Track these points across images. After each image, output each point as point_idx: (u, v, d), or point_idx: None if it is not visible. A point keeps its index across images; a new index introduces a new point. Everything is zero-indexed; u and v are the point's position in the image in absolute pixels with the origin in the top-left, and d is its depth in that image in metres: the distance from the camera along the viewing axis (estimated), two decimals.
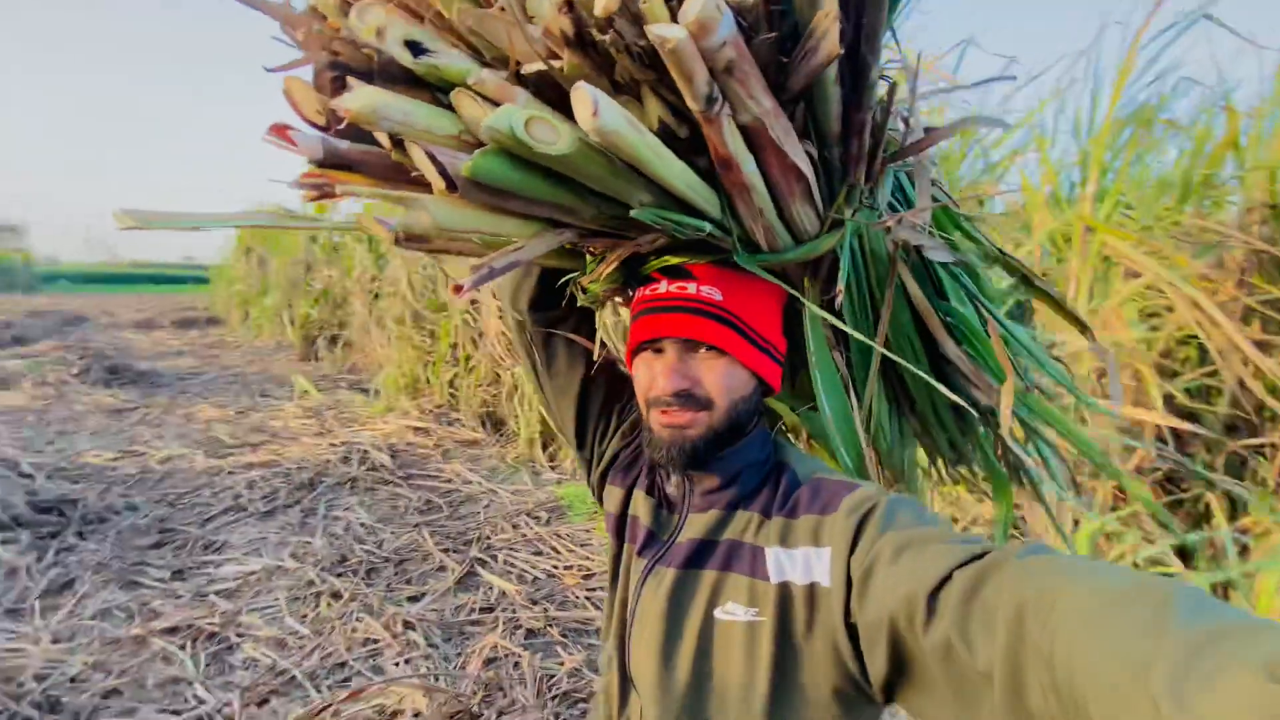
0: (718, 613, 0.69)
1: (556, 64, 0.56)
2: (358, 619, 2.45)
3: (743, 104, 0.57)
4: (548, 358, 0.91)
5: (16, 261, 30.10)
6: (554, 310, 0.90)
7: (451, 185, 0.54)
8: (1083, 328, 0.90)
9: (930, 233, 0.78)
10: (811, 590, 0.64)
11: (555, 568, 2.93)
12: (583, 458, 0.93)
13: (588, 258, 0.77)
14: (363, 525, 3.33)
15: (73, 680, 2.06)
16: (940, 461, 0.99)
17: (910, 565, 0.54)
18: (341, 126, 0.62)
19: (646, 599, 0.73)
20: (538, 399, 0.97)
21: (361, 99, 0.54)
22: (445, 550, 3.05)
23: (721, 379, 0.71)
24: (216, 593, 2.70)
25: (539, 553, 3.07)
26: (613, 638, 0.77)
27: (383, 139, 0.62)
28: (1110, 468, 1.11)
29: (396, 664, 2.19)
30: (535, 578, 2.86)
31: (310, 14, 0.67)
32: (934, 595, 0.51)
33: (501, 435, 4.85)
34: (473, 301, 4.34)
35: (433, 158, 0.53)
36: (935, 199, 0.83)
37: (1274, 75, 2.32)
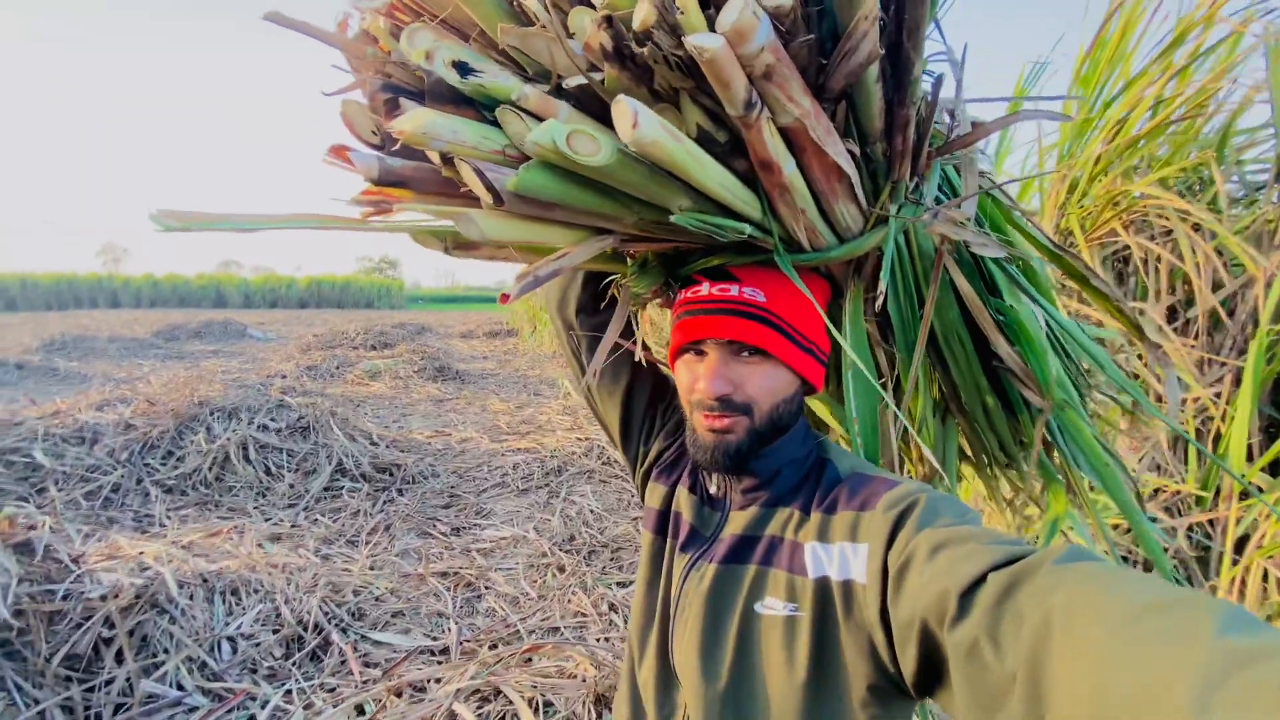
0: (758, 607, 0.69)
1: (597, 77, 0.58)
2: (573, 592, 2.75)
3: (782, 107, 0.56)
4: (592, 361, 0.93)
5: (393, 287, 41.69)
6: (599, 315, 0.93)
7: (498, 199, 0.57)
8: (1140, 333, 0.79)
9: (978, 226, 0.72)
10: (848, 587, 0.62)
11: None
12: (628, 456, 0.95)
13: (629, 261, 0.79)
14: (591, 511, 3.72)
15: (376, 599, 2.72)
16: (989, 464, 0.90)
17: (946, 563, 0.51)
18: (396, 146, 0.66)
19: (689, 594, 0.75)
20: (584, 401, 1.09)
21: (414, 121, 0.58)
22: None
23: (764, 381, 0.70)
24: (478, 550, 3.28)
25: None
26: (655, 631, 0.79)
27: (433, 156, 0.66)
28: (1132, 511, 0.84)
29: (598, 639, 2.41)
30: None
31: (363, 38, 0.72)
32: (966, 595, 0.48)
33: None
34: None
35: (480, 174, 0.57)
36: (989, 193, 0.76)
37: None
